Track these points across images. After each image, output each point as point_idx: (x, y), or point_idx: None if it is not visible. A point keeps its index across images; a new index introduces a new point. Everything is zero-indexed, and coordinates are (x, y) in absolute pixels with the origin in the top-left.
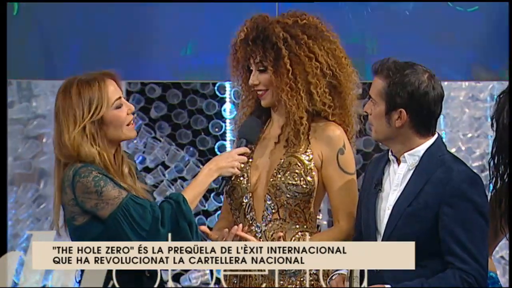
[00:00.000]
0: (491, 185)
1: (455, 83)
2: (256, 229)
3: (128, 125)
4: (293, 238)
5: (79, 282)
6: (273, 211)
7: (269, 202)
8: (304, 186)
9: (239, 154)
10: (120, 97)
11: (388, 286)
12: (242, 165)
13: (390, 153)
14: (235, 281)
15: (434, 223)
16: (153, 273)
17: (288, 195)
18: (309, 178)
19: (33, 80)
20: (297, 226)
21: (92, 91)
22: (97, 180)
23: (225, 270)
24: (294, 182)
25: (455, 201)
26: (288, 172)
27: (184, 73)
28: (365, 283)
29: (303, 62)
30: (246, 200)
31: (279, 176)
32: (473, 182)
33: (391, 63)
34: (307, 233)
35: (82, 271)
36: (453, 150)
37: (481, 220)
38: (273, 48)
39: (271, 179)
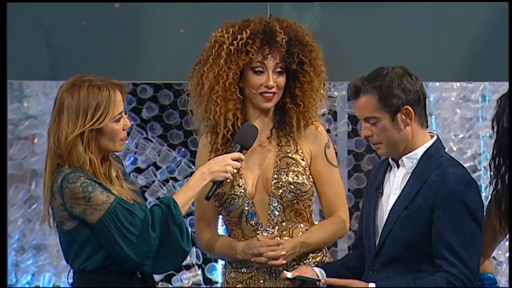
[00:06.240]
0: (492, 186)
1: (447, 83)
2: (264, 233)
3: (121, 139)
4: (300, 235)
5: (71, 284)
6: (279, 212)
7: (274, 205)
8: (307, 183)
9: (233, 160)
10: (122, 111)
11: (373, 284)
12: (235, 171)
13: (390, 158)
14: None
15: (428, 226)
16: (145, 274)
17: (293, 195)
18: (308, 175)
19: (25, 80)
20: (302, 225)
21: (101, 98)
22: (85, 186)
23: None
24: (298, 181)
25: (448, 204)
26: (290, 172)
27: (176, 74)
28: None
29: (314, 66)
30: (248, 207)
31: (282, 176)
32: (468, 185)
33: (364, 78)
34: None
35: (74, 272)
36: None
37: (473, 224)
38: (297, 52)
39: (274, 181)
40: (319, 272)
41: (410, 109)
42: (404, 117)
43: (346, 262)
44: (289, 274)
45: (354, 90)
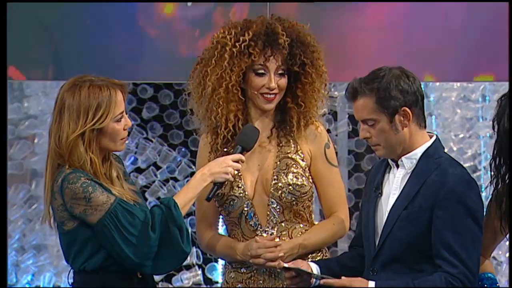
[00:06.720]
0: (492, 186)
1: (447, 83)
2: (263, 233)
3: (121, 139)
4: (299, 235)
5: (72, 284)
6: (278, 213)
7: (274, 206)
8: (306, 184)
9: (234, 161)
10: (123, 111)
11: (372, 283)
12: (236, 172)
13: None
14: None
15: (428, 226)
16: (145, 274)
17: (292, 196)
18: (308, 175)
19: (25, 80)
20: (301, 226)
21: (102, 97)
22: (86, 186)
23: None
24: (298, 182)
25: (448, 204)
26: (289, 174)
27: (176, 74)
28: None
29: (316, 67)
30: (247, 208)
31: (281, 178)
32: (468, 185)
33: (362, 80)
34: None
35: (75, 272)
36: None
37: (473, 225)
38: (300, 53)
39: (273, 182)
40: (314, 268)
41: (408, 110)
42: (402, 118)
43: (341, 261)
44: (285, 265)
45: (351, 92)
